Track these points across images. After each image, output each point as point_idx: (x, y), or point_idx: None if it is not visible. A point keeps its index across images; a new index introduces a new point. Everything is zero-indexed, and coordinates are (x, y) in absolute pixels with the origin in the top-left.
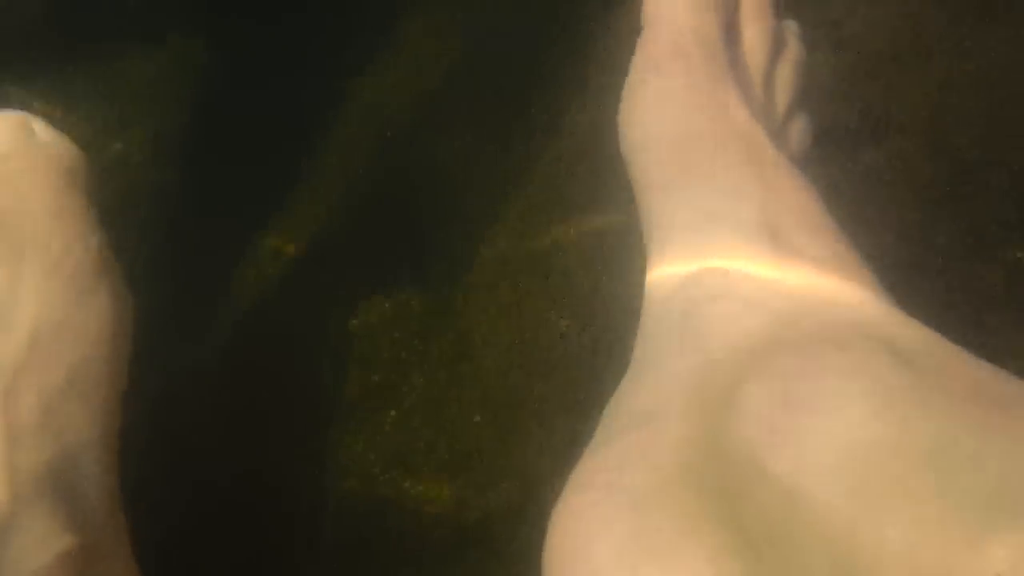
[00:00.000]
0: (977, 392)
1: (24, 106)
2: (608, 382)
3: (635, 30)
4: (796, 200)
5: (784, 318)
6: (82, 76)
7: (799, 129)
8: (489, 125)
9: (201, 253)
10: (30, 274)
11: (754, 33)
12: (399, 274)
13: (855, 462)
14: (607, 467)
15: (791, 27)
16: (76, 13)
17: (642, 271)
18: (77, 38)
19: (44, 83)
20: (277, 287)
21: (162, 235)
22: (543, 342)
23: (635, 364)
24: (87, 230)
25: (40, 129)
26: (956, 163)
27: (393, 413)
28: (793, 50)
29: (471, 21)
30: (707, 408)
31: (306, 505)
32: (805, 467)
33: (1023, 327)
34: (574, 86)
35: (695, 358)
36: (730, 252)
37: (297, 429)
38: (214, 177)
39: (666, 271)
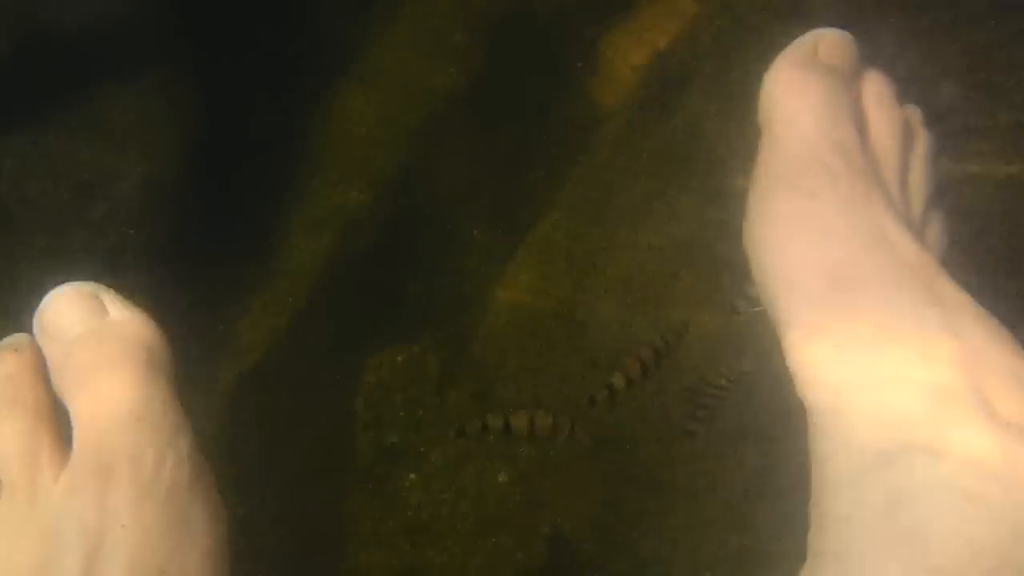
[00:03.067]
0: None
1: None
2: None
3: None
4: (999, 356)
5: None
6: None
7: (936, 233)
8: (493, 151)
9: (195, 314)
10: (121, 500)
11: (883, 128)
12: (410, 323)
13: None
14: None
15: (915, 113)
16: (48, 55)
17: (798, 430)
18: (51, 80)
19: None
20: (278, 345)
21: (151, 296)
22: (569, 391)
23: (821, 558)
24: (176, 432)
25: (112, 303)
26: None
27: (412, 476)
28: (923, 142)
29: (469, 43)
30: None
31: None
32: None
33: None
34: (586, 117)
35: (915, 568)
36: (937, 428)
37: (310, 501)
38: (202, 232)
39: (851, 442)
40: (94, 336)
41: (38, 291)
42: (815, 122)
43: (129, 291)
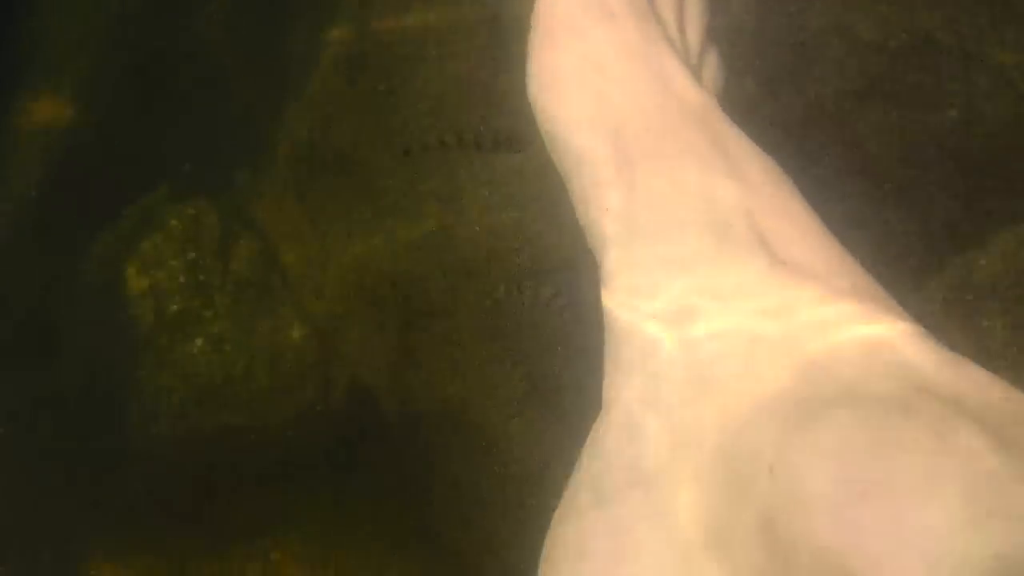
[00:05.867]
0: None
1: None
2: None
3: None
4: (776, 198)
5: (813, 363)
6: None
7: (713, 68)
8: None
9: None
10: None
11: None
12: (182, 180)
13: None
14: (611, 531)
15: None
16: None
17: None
18: None
19: None
20: (20, 223)
21: None
22: (354, 239)
23: (616, 405)
24: None
25: None
26: None
27: (199, 342)
28: None
29: None
30: (736, 474)
31: (111, 458)
32: None
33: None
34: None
35: (707, 410)
36: (722, 273)
37: (86, 373)
38: None
39: (641, 294)
40: None
41: None
42: None
43: None
